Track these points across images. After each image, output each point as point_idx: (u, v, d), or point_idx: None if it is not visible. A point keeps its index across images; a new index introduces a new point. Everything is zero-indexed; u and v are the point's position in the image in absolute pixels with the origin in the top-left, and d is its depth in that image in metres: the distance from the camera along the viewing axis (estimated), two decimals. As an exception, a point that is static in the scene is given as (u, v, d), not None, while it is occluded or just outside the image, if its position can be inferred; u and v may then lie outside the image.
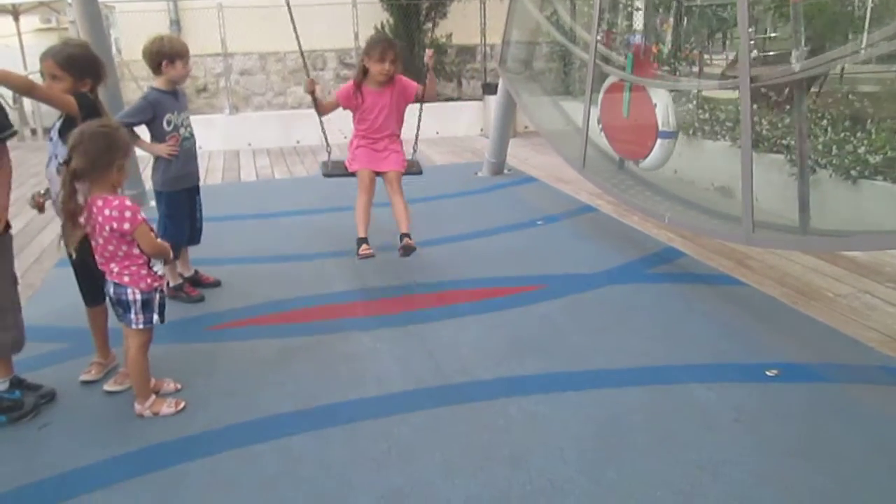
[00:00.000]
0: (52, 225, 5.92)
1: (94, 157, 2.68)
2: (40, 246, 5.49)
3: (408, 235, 4.21)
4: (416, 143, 4.88)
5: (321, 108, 4.64)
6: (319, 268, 4.81)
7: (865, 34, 4.12)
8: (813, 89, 6.40)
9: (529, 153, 9.03)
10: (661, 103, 4.85)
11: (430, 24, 10.78)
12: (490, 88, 10.19)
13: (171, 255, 3.10)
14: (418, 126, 4.75)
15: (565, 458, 2.64)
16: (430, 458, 2.66)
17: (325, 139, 4.82)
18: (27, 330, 3.14)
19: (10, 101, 10.52)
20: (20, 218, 5.85)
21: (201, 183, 4.45)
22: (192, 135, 4.18)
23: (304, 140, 10.12)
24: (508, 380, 3.24)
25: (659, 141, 4.88)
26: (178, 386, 3.19)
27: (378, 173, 4.50)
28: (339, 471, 2.60)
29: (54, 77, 2.91)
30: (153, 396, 3.02)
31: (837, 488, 2.44)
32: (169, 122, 4.01)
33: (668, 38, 8.35)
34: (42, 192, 2.98)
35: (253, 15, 9.96)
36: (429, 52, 4.66)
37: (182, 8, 10.41)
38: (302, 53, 4.76)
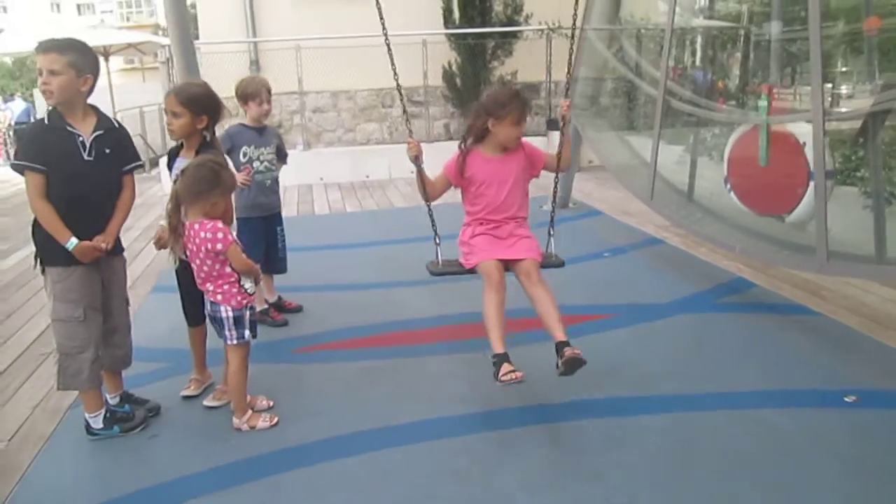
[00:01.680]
0: (143, 255, 6.31)
1: (192, 184, 2.97)
2: (134, 274, 5.84)
3: (567, 343, 3.06)
4: (551, 226, 3.68)
5: (429, 188, 3.49)
6: (393, 295, 5.00)
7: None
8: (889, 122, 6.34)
9: (594, 187, 9.12)
10: (811, 141, 4.28)
11: (496, 63, 11.04)
12: (554, 124, 10.35)
13: (260, 274, 3.32)
14: (553, 204, 3.71)
15: (641, 476, 2.73)
16: (509, 474, 2.79)
17: (435, 230, 3.53)
18: (131, 350, 3.42)
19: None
20: (115, 247, 6.24)
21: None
22: (268, 169, 4.44)
23: (373, 175, 10.47)
24: (581, 402, 3.34)
25: (812, 184, 4.31)
26: (271, 403, 3.39)
27: (506, 267, 3.39)
28: (423, 483, 2.75)
29: (175, 113, 3.21)
30: (250, 411, 3.23)
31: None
32: (244, 155, 4.32)
33: (735, 72, 8.40)
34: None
35: (326, 55, 10.43)
36: (564, 102, 3.51)
37: (261, 49, 10.97)
38: (403, 102, 3.68)
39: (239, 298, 3.12)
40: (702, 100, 6.00)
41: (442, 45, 10.91)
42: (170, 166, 3.38)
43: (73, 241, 2.87)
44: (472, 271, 3.42)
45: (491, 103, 3.31)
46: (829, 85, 6.94)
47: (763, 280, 5.00)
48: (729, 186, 5.31)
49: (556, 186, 3.65)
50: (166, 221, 3.07)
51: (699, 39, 8.33)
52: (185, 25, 5.75)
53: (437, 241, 3.54)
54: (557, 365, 3.03)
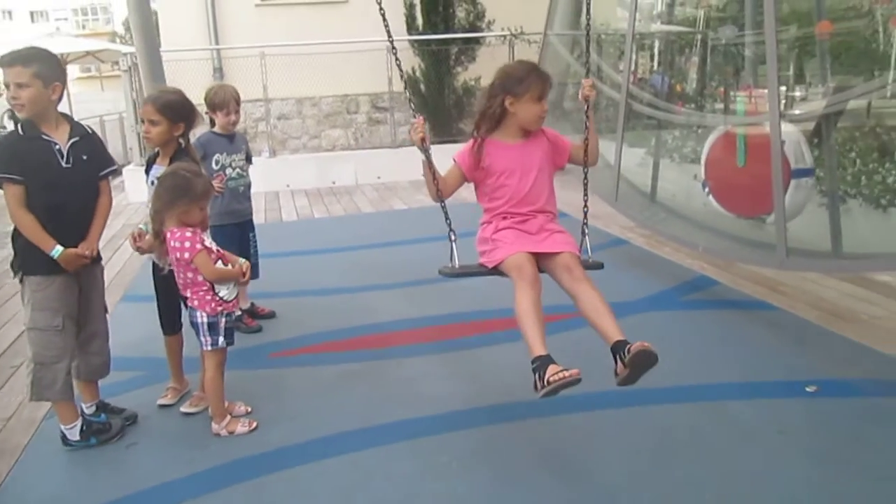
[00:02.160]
0: (110, 264, 6.24)
1: (163, 193, 3.01)
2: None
3: (627, 341, 2.61)
4: (584, 222, 3.22)
5: (441, 184, 3.01)
6: (365, 299, 5.04)
7: (892, 71, 4.30)
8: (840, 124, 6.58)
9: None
10: (791, 140, 4.41)
11: (459, 69, 11.15)
12: (520, 128, 10.45)
13: (242, 279, 3.30)
14: (585, 200, 3.23)
15: (619, 469, 2.82)
16: (490, 470, 2.86)
17: (450, 226, 3.08)
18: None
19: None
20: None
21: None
22: (240, 175, 4.48)
23: (339, 181, 10.48)
24: (557, 399, 3.33)
25: (793, 182, 4.45)
26: (249, 409, 3.41)
27: (539, 268, 2.97)
28: (405, 481, 2.80)
29: (152, 122, 3.23)
30: (228, 416, 3.24)
31: (887, 493, 2.59)
32: (217, 162, 4.35)
33: (693, 76, 8.62)
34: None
35: (290, 62, 10.41)
36: (586, 82, 3.01)
37: (225, 56, 10.92)
38: (406, 84, 3.18)
39: (213, 305, 3.13)
40: (661, 103, 6.16)
41: (405, 52, 10.97)
42: (148, 173, 3.40)
43: (59, 249, 2.87)
44: (495, 271, 3.00)
45: (506, 79, 2.92)
46: (784, 87, 7.19)
47: (725, 278, 5.15)
48: (707, 190, 5.33)
49: (585, 178, 3.22)
50: (145, 226, 3.09)
51: (657, 44, 8.54)
52: (151, 32, 5.75)
53: (453, 236, 3.06)
54: (616, 371, 2.63)
